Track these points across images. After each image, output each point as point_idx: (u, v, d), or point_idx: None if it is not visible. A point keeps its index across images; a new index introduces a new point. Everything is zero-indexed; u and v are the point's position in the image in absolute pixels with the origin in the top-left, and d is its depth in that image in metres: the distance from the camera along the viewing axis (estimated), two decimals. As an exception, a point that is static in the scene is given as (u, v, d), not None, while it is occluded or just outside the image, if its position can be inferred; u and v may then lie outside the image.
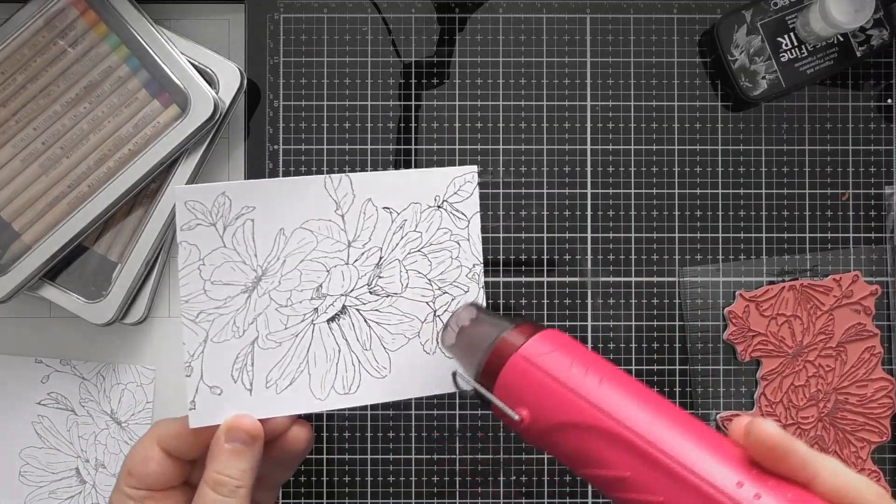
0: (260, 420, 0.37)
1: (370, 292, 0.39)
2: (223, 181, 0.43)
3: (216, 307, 0.37)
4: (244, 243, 0.38)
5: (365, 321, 0.39)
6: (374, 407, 0.50)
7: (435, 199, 0.40)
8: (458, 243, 0.40)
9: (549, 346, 0.33)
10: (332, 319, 0.38)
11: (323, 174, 0.40)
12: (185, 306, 0.37)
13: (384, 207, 0.39)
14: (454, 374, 0.35)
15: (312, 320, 0.38)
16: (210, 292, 0.37)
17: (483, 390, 0.34)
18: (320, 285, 0.38)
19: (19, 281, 0.48)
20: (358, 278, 0.39)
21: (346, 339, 0.38)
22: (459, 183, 0.41)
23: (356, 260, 0.39)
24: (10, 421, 0.51)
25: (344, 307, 0.39)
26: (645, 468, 0.29)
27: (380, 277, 0.39)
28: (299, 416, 0.39)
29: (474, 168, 0.42)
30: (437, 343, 0.39)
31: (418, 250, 0.40)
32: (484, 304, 0.41)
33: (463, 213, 0.40)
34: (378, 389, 0.39)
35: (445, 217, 0.40)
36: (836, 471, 0.27)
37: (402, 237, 0.40)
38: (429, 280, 0.40)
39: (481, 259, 0.40)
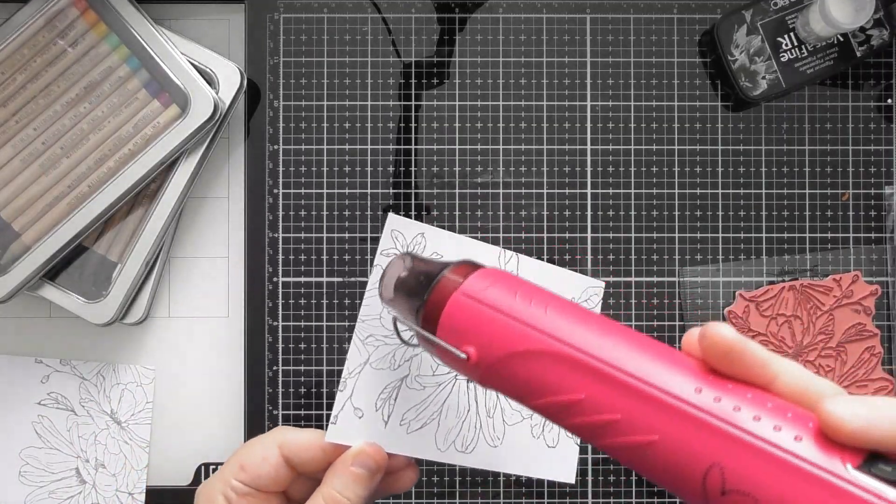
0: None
1: None
2: (424, 223, 0.46)
3: (384, 335, 0.39)
4: None
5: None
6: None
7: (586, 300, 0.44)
8: None
9: (488, 280, 0.32)
10: (470, 384, 0.40)
11: (499, 247, 0.42)
12: (360, 325, 0.39)
13: None
14: (394, 321, 0.35)
15: (455, 375, 0.40)
16: (384, 320, 0.39)
17: (426, 333, 0.33)
18: None
19: (19, 281, 0.48)
20: None
21: (477, 402, 0.40)
22: (590, 293, 0.43)
23: None
24: (10, 421, 0.51)
25: None
26: (599, 387, 0.27)
27: None
28: (413, 460, 0.41)
29: (602, 284, 0.44)
30: (379, 298, 0.39)
31: None
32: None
33: None
34: (490, 457, 0.41)
35: None
36: (796, 372, 0.26)
37: None
38: None
39: None
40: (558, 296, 0.32)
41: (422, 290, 0.34)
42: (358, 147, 0.51)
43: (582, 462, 0.51)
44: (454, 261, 0.35)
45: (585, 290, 0.44)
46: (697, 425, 0.25)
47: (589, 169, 0.52)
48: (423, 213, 0.51)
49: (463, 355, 0.31)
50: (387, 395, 0.39)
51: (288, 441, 0.38)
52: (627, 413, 0.26)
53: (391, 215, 0.41)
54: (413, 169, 0.52)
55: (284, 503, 0.39)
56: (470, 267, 0.34)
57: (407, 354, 0.40)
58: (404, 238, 0.41)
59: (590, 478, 0.51)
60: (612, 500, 0.51)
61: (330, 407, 0.45)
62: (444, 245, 0.41)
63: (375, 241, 0.50)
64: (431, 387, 0.40)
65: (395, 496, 0.51)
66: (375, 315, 0.39)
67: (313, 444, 0.37)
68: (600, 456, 0.51)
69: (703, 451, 0.25)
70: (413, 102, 0.52)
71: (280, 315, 0.51)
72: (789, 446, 0.23)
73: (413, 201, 0.51)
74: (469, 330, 0.31)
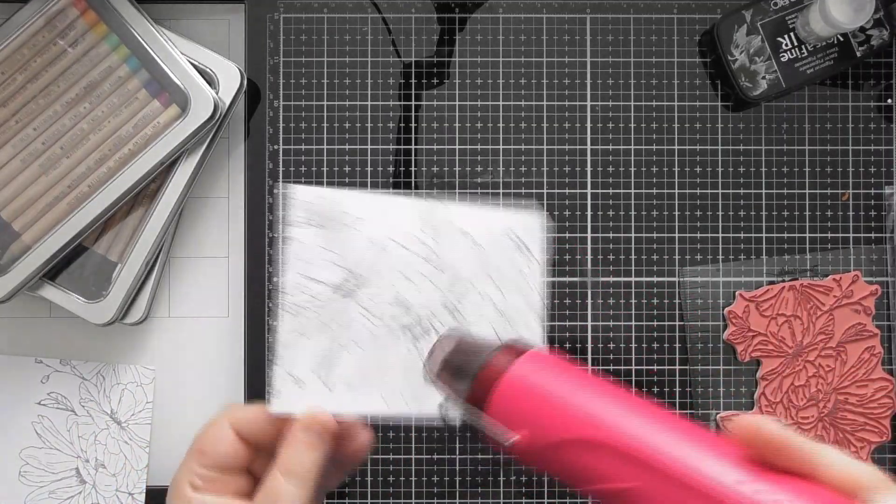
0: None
1: (449, 312, 0.41)
2: (333, 188, 0.46)
3: (310, 303, 0.39)
4: (343, 248, 0.39)
5: None
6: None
7: (512, 238, 0.42)
8: (528, 281, 0.42)
9: (538, 363, 0.33)
10: (413, 333, 0.40)
11: (423, 196, 0.42)
12: (284, 296, 0.38)
13: (470, 236, 0.41)
14: (440, 404, 0.35)
15: (394, 331, 0.39)
16: (307, 289, 0.39)
17: (475, 417, 0.33)
18: (406, 299, 0.40)
19: (19, 281, 0.48)
20: (441, 299, 0.40)
21: (421, 355, 0.40)
22: (529, 227, 0.42)
23: (441, 281, 0.40)
24: (10, 421, 0.51)
25: (424, 323, 0.40)
26: (650, 477, 0.29)
27: (458, 303, 0.41)
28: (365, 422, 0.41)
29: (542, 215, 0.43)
30: (424, 374, 0.40)
31: (493, 281, 0.41)
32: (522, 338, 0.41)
33: (531, 252, 0.42)
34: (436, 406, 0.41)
35: (518, 256, 0.42)
36: (838, 461, 0.27)
37: (480, 266, 0.41)
38: (500, 311, 0.41)
39: (543, 301, 0.42)
40: (604, 379, 0.33)
41: (470, 371, 0.34)
42: (358, 147, 0.51)
43: (582, 462, 0.51)
44: (501, 342, 0.35)
45: (510, 229, 0.42)
46: None
47: (589, 169, 0.52)
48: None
49: (512, 440, 0.32)
50: (326, 361, 0.39)
51: (238, 418, 0.38)
52: (673, 501, 0.28)
53: (295, 187, 0.39)
54: (413, 169, 0.52)
55: (251, 481, 0.39)
56: (517, 349, 0.34)
57: (339, 319, 0.40)
58: (313, 207, 0.40)
59: (590, 478, 0.51)
60: (612, 500, 0.51)
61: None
62: (359, 206, 0.40)
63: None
64: (371, 346, 0.40)
65: (396, 495, 0.51)
66: (297, 284, 0.39)
67: (261, 417, 0.38)
68: (600, 456, 0.51)
69: None
70: (413, 102, 0.52)
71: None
72: None
73: (413, 201, 0.51)
74: (520, 414, 0.32)
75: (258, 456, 0.39)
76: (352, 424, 0.39)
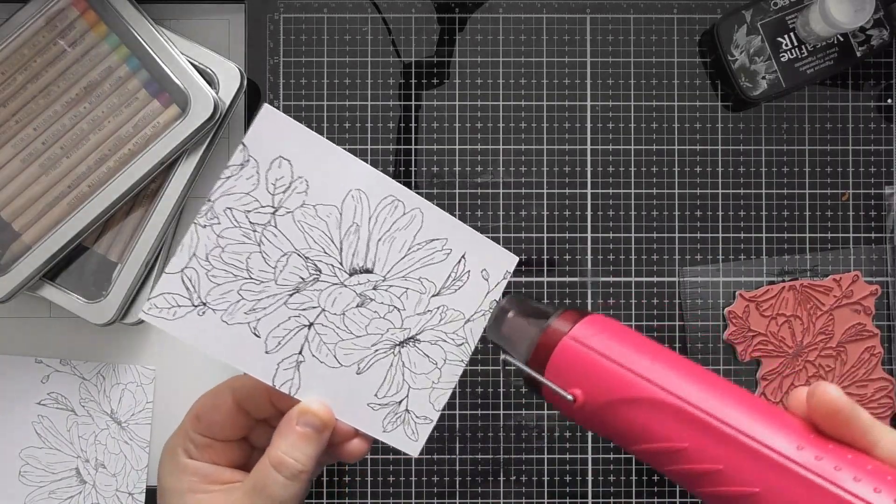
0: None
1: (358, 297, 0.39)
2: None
3: (227, 234, 0.36)
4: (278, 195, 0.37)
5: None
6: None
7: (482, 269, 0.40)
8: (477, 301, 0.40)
9: (596, 327, 0.34)
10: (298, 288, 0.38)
11: (384, 176, 0.39)
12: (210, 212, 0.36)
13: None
14: (503, 360, 0.36)
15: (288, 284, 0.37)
16: (235, 221, 0.36)
17: (535, 374, 0.34)
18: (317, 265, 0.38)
19: (19, 281, 0.48)
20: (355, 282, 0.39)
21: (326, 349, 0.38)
22: (500, 264, 0.41)
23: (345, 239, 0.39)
24: (10, 421, 0.51)
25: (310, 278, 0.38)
26: (703, 437, 0.29)
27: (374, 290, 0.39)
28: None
29: (515, 260, 0.41)
30: (486, 331, 0.40)
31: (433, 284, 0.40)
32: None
33: (490, 284, 0.40)
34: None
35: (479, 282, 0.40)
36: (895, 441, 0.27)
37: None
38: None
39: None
40: (664, 346, 0.33)
41: (530, 332, 0.35)
42: (358, 147, 0.51)
43: (582, 462, 0.51)
44: (561, 307, 0.36)
45: (489, 265, 0.40)
46: (798, 481, 0.26)
47: (589, 169, 0.52)
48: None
49: (570, 397, 0.32)
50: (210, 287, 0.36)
51: (238, 387, 0.38)
52: (730, 464, 0.28)
53: (272, 110, 0.36)
54: (413, 169, 0.52)
55: (247, 450, 0.39)
56: (577, 313, 0.35)
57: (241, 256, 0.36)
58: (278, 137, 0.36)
59: (590, 478, 0.51)
60: (612, 500, 0.51)
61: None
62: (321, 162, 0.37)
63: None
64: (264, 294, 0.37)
65: (396, 496, 0.51)
66: (223, 213, 0.36)
67: (261, 389, 0.37)
68: (600, 456, 0.51)
69: None
70: (413, 102, 0.52)
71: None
72: None
73: (413, 201, 0.51)
74: (577, 374, 0.33)
75: (256, 426, 0.39)
76: (348, 430, 0.38)
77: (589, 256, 0.52)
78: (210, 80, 0.49)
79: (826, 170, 0.52)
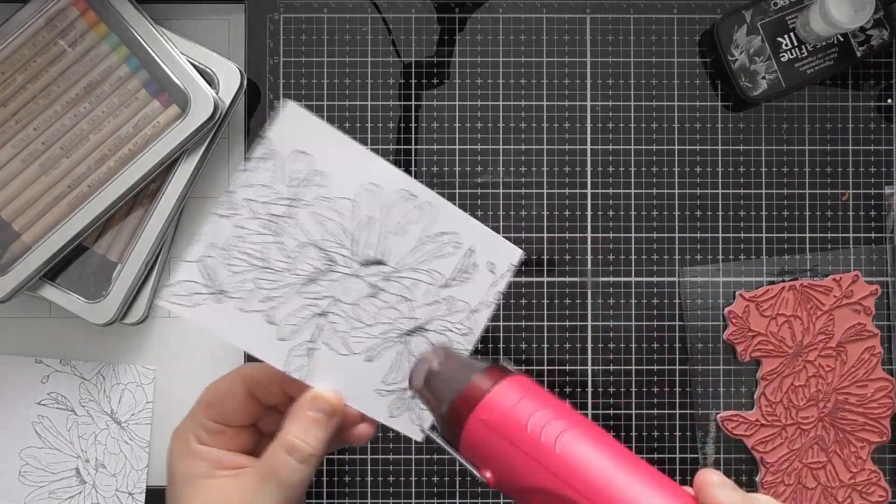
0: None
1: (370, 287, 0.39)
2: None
3: (246, 223, 0.37)
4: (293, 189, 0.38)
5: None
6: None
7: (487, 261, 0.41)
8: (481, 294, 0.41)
9: (510, 398, 0.33)
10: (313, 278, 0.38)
11: (406, 174, 0.40)
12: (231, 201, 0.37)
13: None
14: (425, 427, 0.36)
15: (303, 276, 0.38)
16: (255, 212, 0.37)
17: (450, 448, 0.34)
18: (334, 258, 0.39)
19: (19, 281, 0.48)
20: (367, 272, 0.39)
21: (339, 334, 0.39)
22: (506, 257, 0.41)
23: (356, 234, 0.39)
24: (10, 421, 0.51)
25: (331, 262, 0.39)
26: None
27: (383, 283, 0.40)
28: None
29: (519, 253, 0.41)
30: (407, 385, 0.40)
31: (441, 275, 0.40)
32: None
33: (497, 275, 0.41)
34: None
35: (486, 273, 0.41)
36: None
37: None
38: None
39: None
40: (577, 414, 0.33)
41: (449, 394, 0.34)
42: (358, 147, 0.51)
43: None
44: (484, 364, 0.35)
45: (494, 258, 0.41)
46: None
47: (589, 169, 0.52)
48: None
49: (483, 478, 0.33)
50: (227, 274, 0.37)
51: (248, 375, 0.38)
52: None
53: (291, 104, 0.37)
54: (413, 169, 0.52)
55: (256, 436, 0.39)
56: (498, 374, 0.34)
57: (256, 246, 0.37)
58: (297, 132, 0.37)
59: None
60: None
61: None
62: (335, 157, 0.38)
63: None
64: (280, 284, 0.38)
65: (396, 496, 0.51)
66: (243, 202, 0.37)
67: (272, 376, 0.38)
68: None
69: None
70: (413, 102, 0.52)
71: (280, 315, 0.51)
72: None
73: (413, 201, 0.51)
74: (486, 456, 0.33)
75: (267, 413, 0.39)
76: (355, 414, 0.38)
77: (589, 256, 0.52)
78: (210, 80, 0.49)
79: (826, 170, 0.52)
